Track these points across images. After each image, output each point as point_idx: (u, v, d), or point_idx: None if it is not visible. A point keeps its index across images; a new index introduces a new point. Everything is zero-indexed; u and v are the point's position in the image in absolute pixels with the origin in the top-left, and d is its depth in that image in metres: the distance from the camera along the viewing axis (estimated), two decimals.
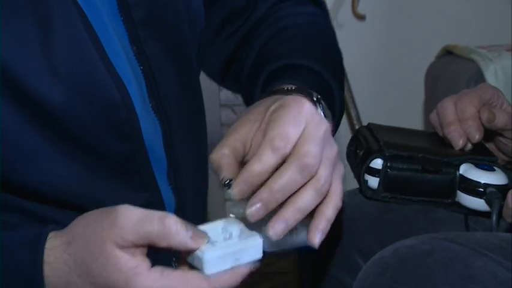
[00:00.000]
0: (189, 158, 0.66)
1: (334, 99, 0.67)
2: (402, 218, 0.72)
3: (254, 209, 0.50)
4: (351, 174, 0.74)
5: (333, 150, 0.53)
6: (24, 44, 0.53)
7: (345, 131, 1.53)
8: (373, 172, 0.71)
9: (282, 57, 0.67)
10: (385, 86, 1.72)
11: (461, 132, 0.73)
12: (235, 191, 0.50)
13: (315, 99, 0.60)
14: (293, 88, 0.60)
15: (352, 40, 1.66)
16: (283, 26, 0.71)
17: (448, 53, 1.42)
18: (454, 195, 0.71)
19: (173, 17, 0.64)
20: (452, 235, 0.63)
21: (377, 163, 0.71)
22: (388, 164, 0.70)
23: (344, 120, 1.55)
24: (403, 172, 0.71)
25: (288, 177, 0.50)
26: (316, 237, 0.52)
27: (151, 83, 0.61)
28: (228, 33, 0.74)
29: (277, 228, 0.50)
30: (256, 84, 0.67)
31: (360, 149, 0.74)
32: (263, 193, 0.50)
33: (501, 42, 1.45)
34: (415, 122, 0.81)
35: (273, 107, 0.53)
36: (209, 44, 0.74)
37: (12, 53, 0.53)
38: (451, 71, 1.32)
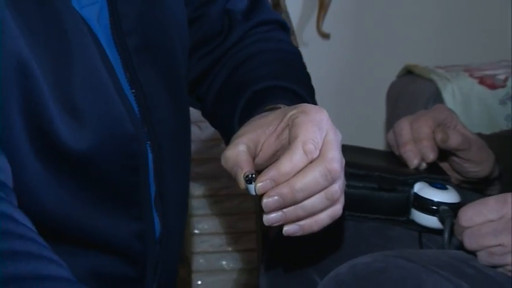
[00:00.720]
0: (175, 186, 0.66)
1: None
2: (359, 236, 0.74)
3: (271, 201, 0.51)
4: None
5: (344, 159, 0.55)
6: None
7: None
8: None
9: (263, 79, 0.69)
10: (349, 104, 1.75)
11: (416, 152, 0.75)
12: (260, 186, 0.50)
13: None
14: (288, 104, 0.62)
15: (316, 58, 1.70)
16: (257, 51, 0.73)
17: (408, 72, 1.46)
18: (409, 213, 0.73)
19: (167, 43, 0.64)
20: (405, 253, 0.65)
21: None
22: (345, 183, 0.70)
23: None
24: (360, 190, 0.72)
25: (312, 178, 0.51)
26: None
27: (144, 108, 0.61)
28: (200, 55, 0.74)
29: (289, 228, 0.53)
30: (237, 103, 0.67)
31: None
32: (284, 188, 0.51)
33: (459, 62, 1.50)
34: (378, 139, 0.83)
35: (292, 113, 0.54)
36: None
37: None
38: (411, 90, 1.36)
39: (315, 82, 1.78)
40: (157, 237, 0.64)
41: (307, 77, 0.75)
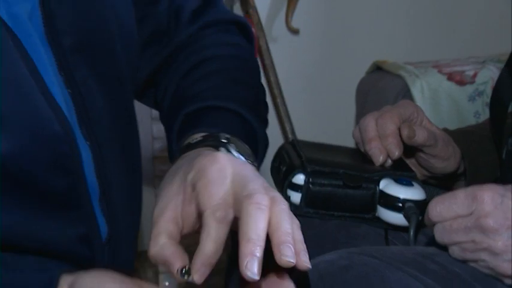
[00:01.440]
0: (122, 185, 0.65)
1: (256, 137, 0.69)
2: (324, 234, 0.74)
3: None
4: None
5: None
6: None
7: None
8: (296, 187, 0.74)
9: (198, 97, 0.69)
10: (319, 100, 1.76)
11: (381, 149, 0.76)
12: (197, 277, 0.50)
13: (224, 141, 0.62)
14: (199, 139, 0.62)
15: (285, 54, 1.71)
16: (206, 57, 0.73)
17: (377, 68, 1.47)
18: (375, 210, 0.74)
19: (105, 42, 0.64)
20: (369, 250, 0.66)
21: (299, 178, 0.73)
22: (310, 180, 0.73)
23: (278, 134, 1.58)
24: (325, 188, 0.73)
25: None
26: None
27: (81, 108, 0.61)
28: (150, 54, 0.74)
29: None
30: (173, 128, 0.68)
31: (283, 165, 0.76)
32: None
33: (429, 58, 1.53)
34: (347, 136, 0.85)
35: (190, 176, 0.53)
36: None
37: None
38: (380, 87, 1.38)
39: (284, 78, 1.79)
40: (104, 240, 0.63)
41: (254, 86, 0.75)
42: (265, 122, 0.73)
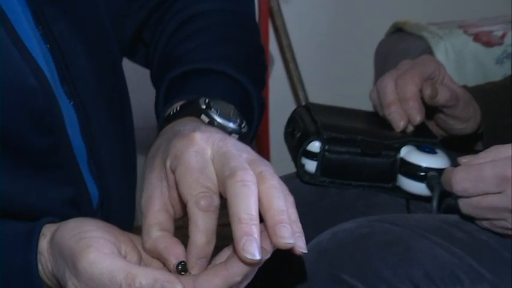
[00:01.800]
0: (112, 146, 0.65)
1: (251, 100, 0.67)
2: (341, 203, 0.74)
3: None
4: (288, 157, 0.76)
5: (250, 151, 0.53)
6: None
7: None
8: (311, 155, 0.73)
9: (184, 59, 0.67)
10: (334, 65, 1.74)
11: (402, 114, 0.74)
12: (195, 272, 0.49)
13: (203, 106, 0.60)
14: (178, 109, 0.61)
15: (299, 16, 1.69)
16: (197, 12, 0.71)
17: (398, 30, 1.45)
18: (395, 179, 0.73)
19: None
20: (391, 217, 0.65)
21: (314, 146, 0.73)
22: (326, 147, 0.72)
23: (292, 101, 1.56)
24: (342, 156, 0.72)
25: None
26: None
27: (61, 64, 0.61)
28: (137, 7, 0.73)
29: None
30: (159, 95, 0.67)
31: (297, 130, 0.75)
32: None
33: (453, 18, 1.50)
34: (364, 102, 0.84)
35: (168, 163, 0.52)
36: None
37: None
38: (401, 49, 1.36)
39: (297, 42, 1.77)
40: (96, 204, 0.63)
41: (250, 42, 0.73)
42: (261, 84, 0.71)
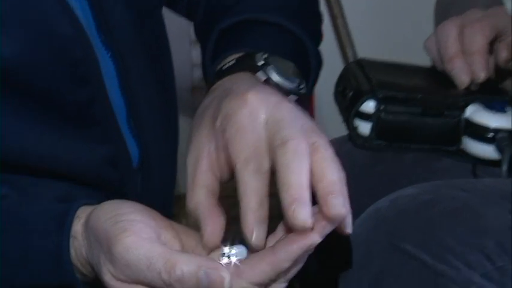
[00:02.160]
0: (153, 106, 0.65)
1: (307, 53, 0.66)
2: (398, 169, 0.72)
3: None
4: (339, 119, 0.74)
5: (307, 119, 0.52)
6: None
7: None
8: (365, 116, 0.71)
9: (235, 9, 0.67)
10: (387, 19, 1.68)
11: (466, 69, 0.71)
12: (255, 240, 0.46)
13: (261, 62, 0.59)
14: (233, 63, 0.60)
15: None
16: None
17: None
18: (459, 141, 0.71)
19: None
20: (458, 182, 0.63)
21: (369, 106, 0.71)
22: (382, 107, 0.70)
23: (339, 60, 1.52)
24: (400, 116, 0.71)
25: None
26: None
27: (98, 12, 0.60)
28: None
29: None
30: (207, 46, 0.66)
31: (349, 89, 0.73)
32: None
33: None
34: (421, 61, 0.81)
35: (218, 123, 0.51)
36: None
37: None
38: (464, 0, 1.29)
39: None
40: (137, 164, 0.63)
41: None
42: (317, 36, 0.70)
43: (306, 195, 0.45)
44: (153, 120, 0.64)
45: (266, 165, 0.47)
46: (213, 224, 0.48)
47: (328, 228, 0.45)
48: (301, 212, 0.44)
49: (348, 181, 0.71)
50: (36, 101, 0.55)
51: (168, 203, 0.69)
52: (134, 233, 0.45)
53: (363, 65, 0.75)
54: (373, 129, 0.71)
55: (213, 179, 0.51)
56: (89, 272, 0.50)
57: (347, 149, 0.72)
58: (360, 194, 0.69)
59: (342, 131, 0.74)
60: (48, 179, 0.56)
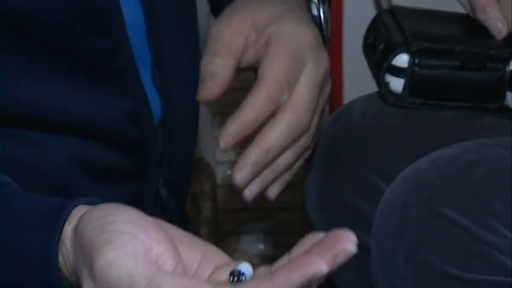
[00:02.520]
0: (179, 54, 0.64)
1: None
2: (435, 128, 0.70)
3: (245, 173, 0.56)
4: (369, 74, 0.72)
5: (326, 89, 0.60)
6: None
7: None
8: (397, 71, 0.69)
9: None
10: None
11: (501, 17, 0.69)
12: (223, 143, 0.55)
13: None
14: None
15: None
16: None
17: None
18: (503, 97, 0.70)
19: None
20: (506, 140, 0.62)
21: (402, 60, 0.69)
22: (417, 61, 0.68)
23: (371, 6, 1.48)
24: (436, 70, 0.69)
25: (279, 134, 0.57)
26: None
27: None
28: None
29: (252, 187, 0.58)
30: None
31: (379, 41, 0.71)
32: (252, 154, 0.56)
33: None
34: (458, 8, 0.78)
35: (268, 30, 0.57)
36: None
37: None
38: None
39: None
40: (158, 120, 0.63)
41: None
42: None
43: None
44: (179, 74, 0.64)
45: (282, 100, 0.55)
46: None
47: (340, 259, 0.41)
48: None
49: (378, 144, 0.70)
50: (52, 50, 0.54)
51: (189, 164, 0.68)
52: (119, 246, 0.42)
53: (395, 13, 0.72)
54: (406, 85, 0.69)
55: (241, 42, 0.57)
56: (75, 281, 0.47)
57: (377, 107, 0.71)
58: (391, 157, 0.70)
59: (372, 87, 0.72)
60: (61, 135, 0.56)
